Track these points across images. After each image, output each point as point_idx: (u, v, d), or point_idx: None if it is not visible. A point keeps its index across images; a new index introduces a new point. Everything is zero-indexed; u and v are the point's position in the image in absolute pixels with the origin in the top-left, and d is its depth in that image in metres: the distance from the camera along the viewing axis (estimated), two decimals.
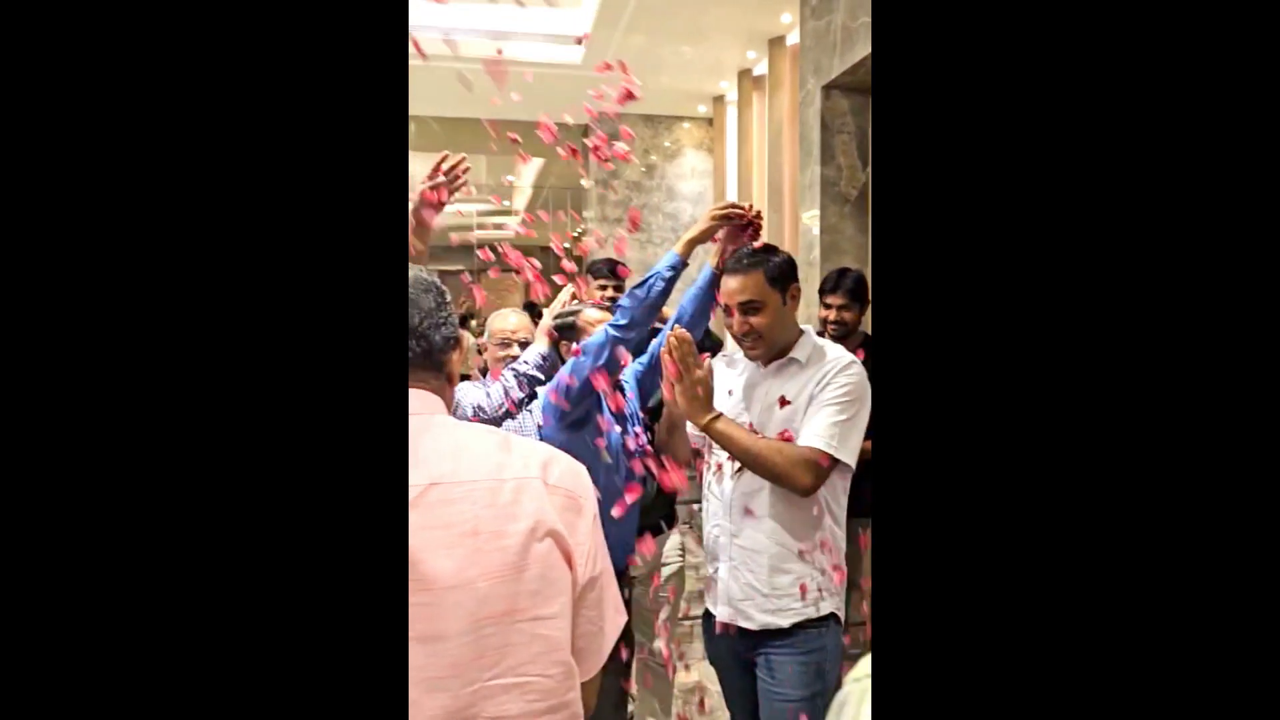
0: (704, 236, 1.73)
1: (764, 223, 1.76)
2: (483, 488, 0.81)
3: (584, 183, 6.99)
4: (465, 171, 1.49)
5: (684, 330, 1.52)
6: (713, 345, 2.45)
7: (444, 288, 0.92)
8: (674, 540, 2.29)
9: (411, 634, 0.74)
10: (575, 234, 8.22)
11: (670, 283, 1.73)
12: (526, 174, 8.23)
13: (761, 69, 5.21)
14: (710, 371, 1.53)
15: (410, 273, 0.90)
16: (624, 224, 6.50)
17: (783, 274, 1.57)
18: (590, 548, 0.89)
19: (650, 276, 1.74)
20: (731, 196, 5.88)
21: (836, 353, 1.59)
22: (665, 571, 2.26)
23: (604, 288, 2.64)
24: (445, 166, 1.47)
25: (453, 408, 0.94)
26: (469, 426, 0.90)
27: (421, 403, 0.86)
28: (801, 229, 4.36)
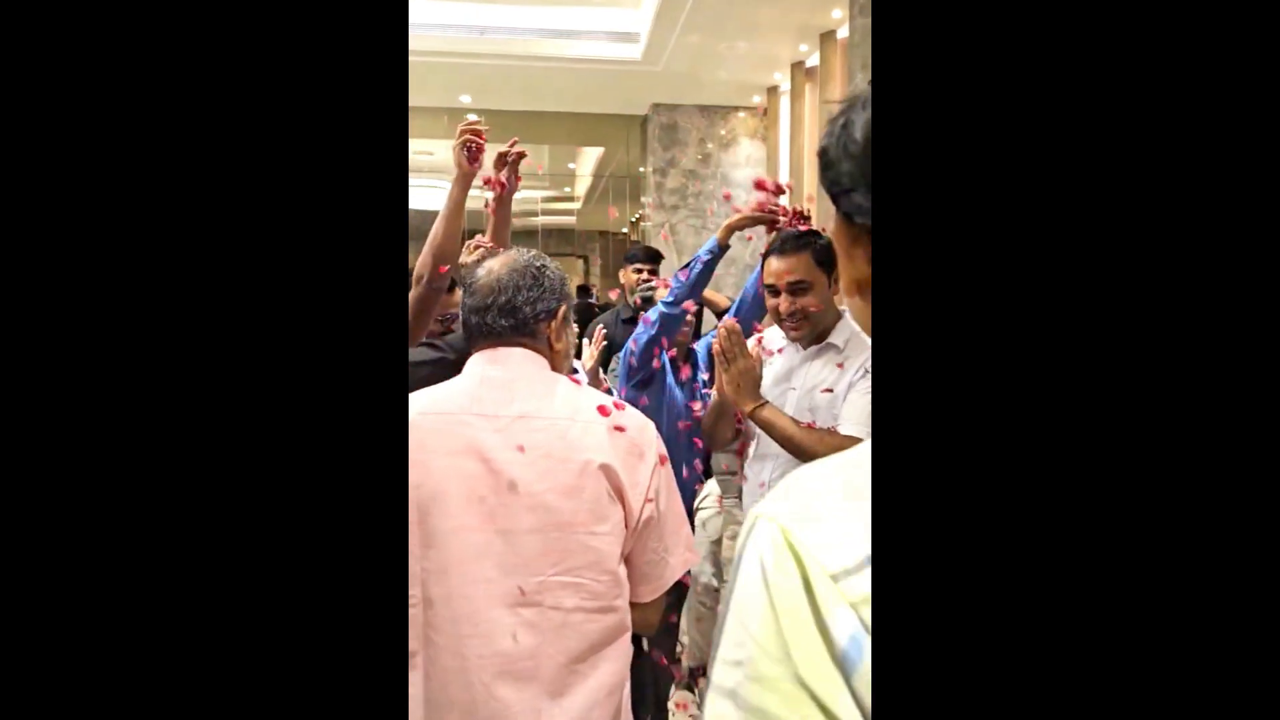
0: (742, 224, 1.86)
1: (814, 211, 1.82)
2: (559, 423, 1.06)
3: (641, 169, 7.23)
4: (520, 156, 1.66)
5: (734, 320, 1.58)
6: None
7: (543, 267, 1.12)
8: (711, 485, 2.56)
9: (495, 528, 1.02)
10: (633, 219, 8.47)
11: (709, 265, 1.89)
12: (586, 163, 8.51)
13: (814, 61, 5.36)
14: (758, 360, 1.57)
15: (512, 259, 1.12)
16: (679, 211, 6.73)
17: (829, 256, 1.58)
18: (650, 488, 1.06)
19: (692, 260, 1.91)
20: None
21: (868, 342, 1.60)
22: (701, 515, 2.54)
23: (639, 271, 2.89)
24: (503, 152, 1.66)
25: (562, 366, 1.16)
26: (561, 380, 1.12)
27: (523, 358, 1.10)
28: None
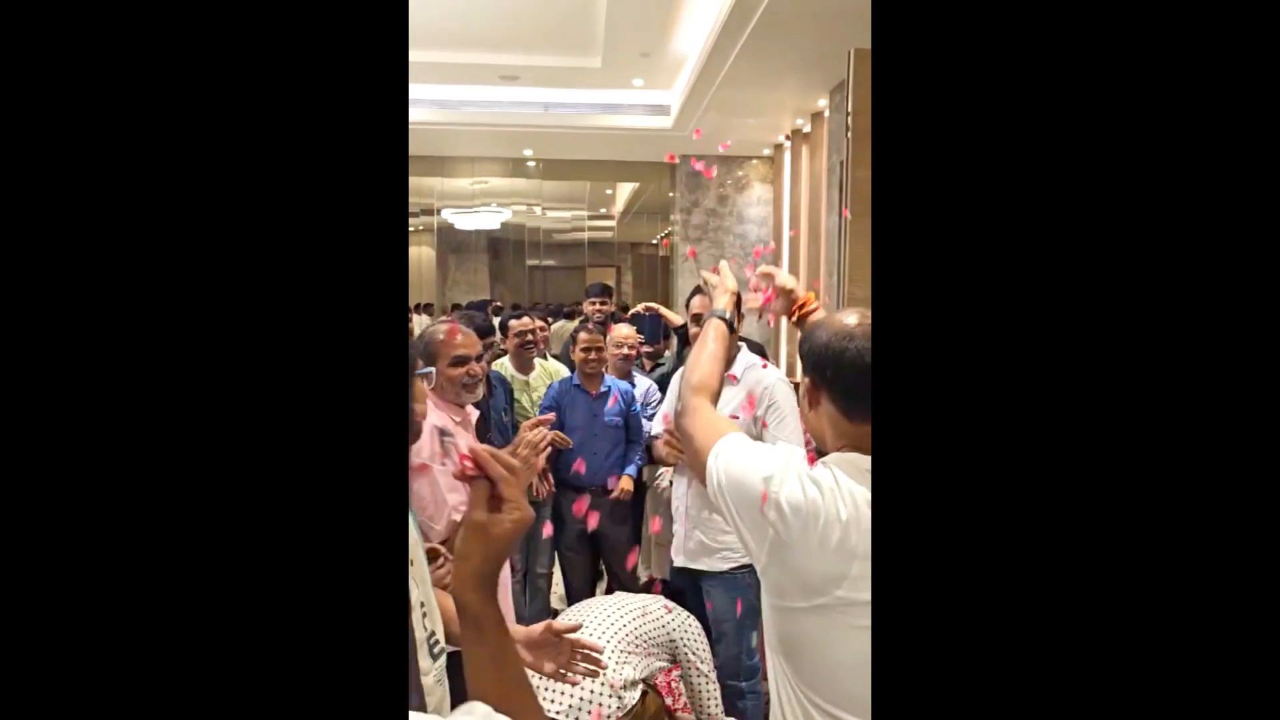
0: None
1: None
2: None
3: (671, 195, 8.66)
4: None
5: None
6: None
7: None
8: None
9: None
10: (662, 235, 9.89)
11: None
12: (620, 197, 9.99)
13: (809, 129, 6.78)
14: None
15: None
16: (701, 243, 8.19)
17: None
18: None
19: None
20: (785, 223, 7.49)
21: (770, 375, 2.15)
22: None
23: (593, 304, 3.40)
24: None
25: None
26: None
27: None
28: (827, 255, 5.96)
